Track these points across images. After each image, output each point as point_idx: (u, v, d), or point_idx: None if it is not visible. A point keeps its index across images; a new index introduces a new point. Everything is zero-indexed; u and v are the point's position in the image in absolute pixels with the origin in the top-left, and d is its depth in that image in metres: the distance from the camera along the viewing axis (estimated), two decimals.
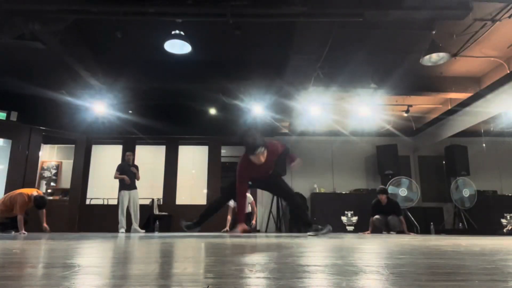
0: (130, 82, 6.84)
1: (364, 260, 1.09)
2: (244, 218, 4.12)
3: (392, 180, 8.36)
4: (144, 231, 7.25)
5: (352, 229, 8.08)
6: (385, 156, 9.04)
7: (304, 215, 4.36)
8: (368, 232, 6.78)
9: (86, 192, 8.72)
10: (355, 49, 5.97)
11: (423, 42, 5.50)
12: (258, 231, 8.37)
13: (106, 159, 9.45)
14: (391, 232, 6.63)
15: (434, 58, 5.48)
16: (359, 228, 7.75)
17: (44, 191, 9.37)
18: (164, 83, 7.00)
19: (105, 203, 8.71)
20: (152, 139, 9.02)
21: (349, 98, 7.68)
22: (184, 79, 6.83)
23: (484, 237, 4.09)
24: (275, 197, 8.76)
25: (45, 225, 5.90)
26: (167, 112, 8.48)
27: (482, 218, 8.20)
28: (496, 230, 6.99)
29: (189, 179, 9.77)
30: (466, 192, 8.34)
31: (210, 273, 0.79)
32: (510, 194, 8.77)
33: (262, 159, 3.69)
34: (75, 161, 8.68)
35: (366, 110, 7.78)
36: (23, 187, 7.63)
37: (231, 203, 6.43)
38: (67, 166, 9.59)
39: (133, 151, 8.78)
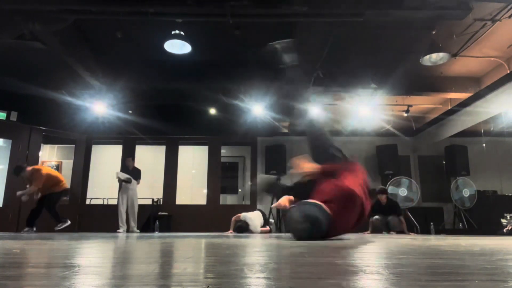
0: (130, 82, 6.84)
1: (364, 260, 1.09)
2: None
3: (392, 180, 8.35)
4: (138, 231, 7.27)
5: None
6: (385, 156, 9.04)
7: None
8: (368, 232, 6.77)
9: (86, 192, 8.72)
10: (355, 49, 5.97)
11: (423, 42, 5.50)
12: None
13: (106, 159, 9.46)
14: (391, 232, 6.63)
15: (434, 58, 5.48)
16: (359, 228, 7.74)
17: None
18: (164, 83, 7.00)
19: (105, 203, 8.72)
20: (152, 139, 9.02)
21: (349, 98, 7.68)
22: (184, 79, 6.83)
23: (484, 237, 4.09)
24: (275, 197, 8.75)
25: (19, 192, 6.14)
26: (167, 112, 8.48)
27: (482, 218, 8.20)
28: (496, 230, 6.98)
29: (189, 179, 9.77)
30: (466, 192, 8.34)
31: (210, 273, 0.78)
32: (510, 194, 8.77)
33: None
34: (75, 161, 8.68)
35: (366, 110, 7.78)
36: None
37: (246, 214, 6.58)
38: (67, 166, 9.58)
39: (133, 151, 8.78)
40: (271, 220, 7.17)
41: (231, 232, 6.39)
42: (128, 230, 7.24)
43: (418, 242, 2.40)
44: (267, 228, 6.91)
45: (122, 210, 7.20)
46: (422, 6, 4.57)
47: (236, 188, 10.37)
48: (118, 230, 7.04)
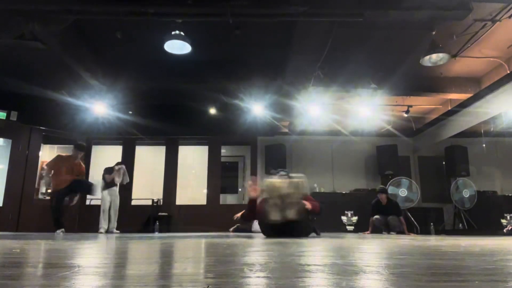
0: (130, 82, 6.83)
1: (364, 260, 1.09)
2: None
3: (392, 180, 8.36)
4: (118, 231, 7.03)
5: (352, 229, 8.08)
6: (385, 156, 9.04)
7: None
8: (368, 232, 6.78)
9: None
10: (355, 49, 5.97)
11: (423, 42, 5.49)
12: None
13: (106, 159, 9.44)
14: (391, 233, 6.63)
15: (434, 58, 5.48)
16: (359, 228, 7.75)
17: (43, 191, 9.37)
18: (164, 83, 6.99)
19: None
20: (152, 139, 9.01)
21: (349, 98, 7.68)
22: (184, 79, 6.82)
23: (484, 237, 4.09)
24: None
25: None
26: (167, 112, 8.47)
27: (482, 218, 8.20)
28: (496, 230, 6.99)
29: (189, 179, 9.77)
30: (466, 193, 8.34)
31: (210, 273, 0.79)
32: (510, 194, 8.77)
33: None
34: None
35: (366, 110, 7.78)
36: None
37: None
38: None
39: (133, 151, 8.77)
40: None
41: (231, 231, 6.43)
42: (108, 231, 7.02)
43: (418, 242, 2.40)
44: None
45: (106, 210, 7.05)
46: (422, 6, 4.57)
47: (236, 188, 10.36)
48: (100, 231, 6.89)
